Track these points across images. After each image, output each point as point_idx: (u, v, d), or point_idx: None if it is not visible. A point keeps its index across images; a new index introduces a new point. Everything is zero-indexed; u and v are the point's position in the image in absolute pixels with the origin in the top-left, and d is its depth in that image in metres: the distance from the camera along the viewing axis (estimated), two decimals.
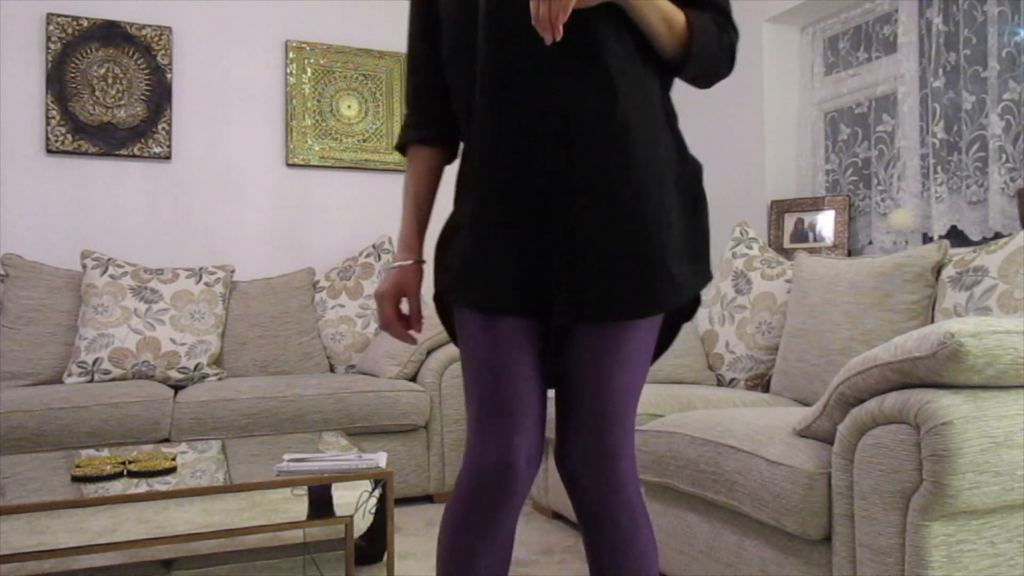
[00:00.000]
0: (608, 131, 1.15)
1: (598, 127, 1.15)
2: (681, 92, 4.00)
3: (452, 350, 3.19)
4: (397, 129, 3.96)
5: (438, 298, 1.33)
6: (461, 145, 1.36)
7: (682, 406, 2.35)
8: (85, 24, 3.45)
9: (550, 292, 1.18)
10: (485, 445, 1.19)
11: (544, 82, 1.15)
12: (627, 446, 1.22)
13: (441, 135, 1.35)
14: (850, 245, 3.13)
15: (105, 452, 2.26)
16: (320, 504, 2.09)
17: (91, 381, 2.96)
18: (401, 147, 1.39)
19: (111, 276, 3.15)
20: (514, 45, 1.16)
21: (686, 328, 2.91)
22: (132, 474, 1.96)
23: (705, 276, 1.26)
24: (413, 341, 1.36)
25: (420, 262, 1.35)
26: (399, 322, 1.34)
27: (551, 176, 1.16)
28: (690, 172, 1.28)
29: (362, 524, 2.20)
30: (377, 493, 2.10)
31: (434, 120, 1.35)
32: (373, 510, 2.14)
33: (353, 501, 2.10)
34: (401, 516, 2.92)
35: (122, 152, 3.50)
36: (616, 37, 1.16)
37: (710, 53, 1.19)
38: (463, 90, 1.25)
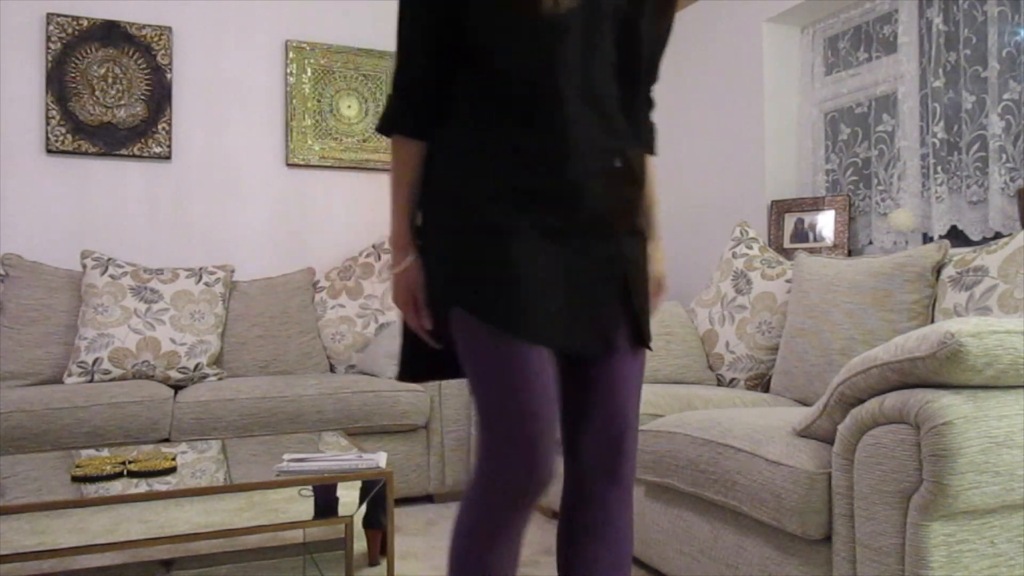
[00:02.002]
0: (642, 181, 1.33)
1: (640, 176, 1.31)
2: (682, 92, 4.00)
3: None
4: None
5: (455, 310, 1.22)
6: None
7: (682, 406, 2.35)
8: (85, 24, 3.45)
9: (605, 322, 1.26)
10: (529, 456, 1.18)
11: (608, 123, 1.25)
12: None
13: (431, 131, 1.29)
14: (850, 245, 3.12)
15: (105, 452, 2.26)
16: (324, 504, 2.09)
17: (91, 381, 2.96)
18: (388, 131, 1.30)
19: (111, 276, 3.15)
20: (594, 80, 1.23)
21: (686, 328, 2.91)
22: (132, 474, 1.96)
23: None
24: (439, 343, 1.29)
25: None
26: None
27: (614, 213, 1.26)
28: None
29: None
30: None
31: (431, 114, 1.28)
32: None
33: (353, 501, 2.10)
34: (401, 516, 2.92)
35: (122, 152, 3.50)
36: None
37: None
38: (528, 77, 1.20)
